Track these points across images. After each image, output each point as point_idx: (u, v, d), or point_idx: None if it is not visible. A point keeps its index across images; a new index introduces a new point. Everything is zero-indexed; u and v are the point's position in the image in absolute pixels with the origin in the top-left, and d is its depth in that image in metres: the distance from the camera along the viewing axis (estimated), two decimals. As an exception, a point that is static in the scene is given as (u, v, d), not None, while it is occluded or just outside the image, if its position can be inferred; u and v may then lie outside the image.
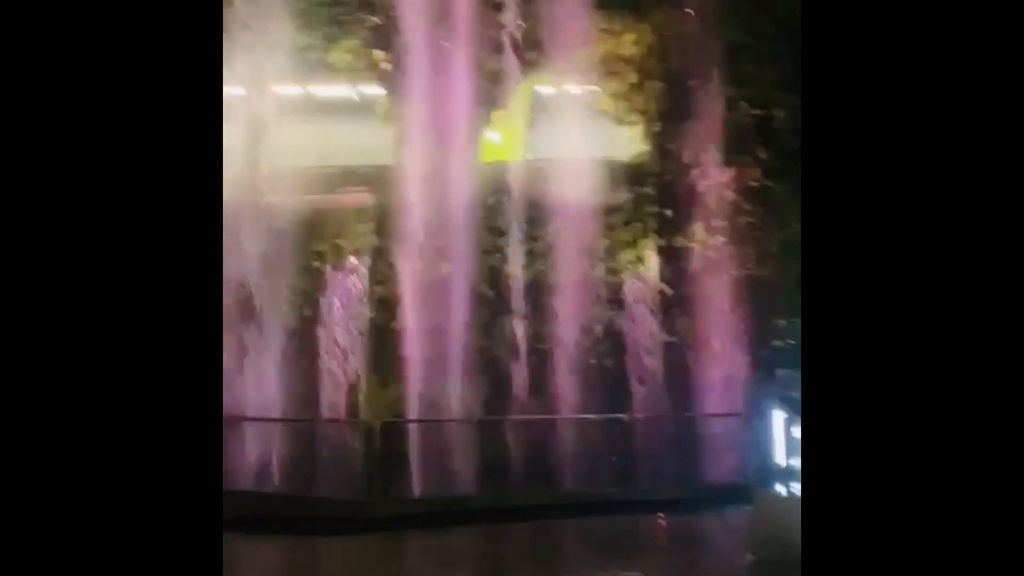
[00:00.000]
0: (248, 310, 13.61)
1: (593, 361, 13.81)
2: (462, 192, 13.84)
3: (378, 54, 14.43)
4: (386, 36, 14.27)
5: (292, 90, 14.79)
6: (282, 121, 14.19)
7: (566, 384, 13.50)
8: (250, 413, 13.23)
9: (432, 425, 12.77)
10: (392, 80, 14.30)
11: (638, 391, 13.81)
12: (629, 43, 14.41)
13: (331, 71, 14.64)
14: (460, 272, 13.77)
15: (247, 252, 13.75)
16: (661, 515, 11.25)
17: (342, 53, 14.48)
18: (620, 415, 13.08)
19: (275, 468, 12.42)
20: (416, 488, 12.05)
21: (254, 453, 12.64)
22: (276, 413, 13.37)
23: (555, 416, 13.18)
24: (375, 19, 14.39)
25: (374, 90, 14.87)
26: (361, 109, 15.00)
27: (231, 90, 14.42)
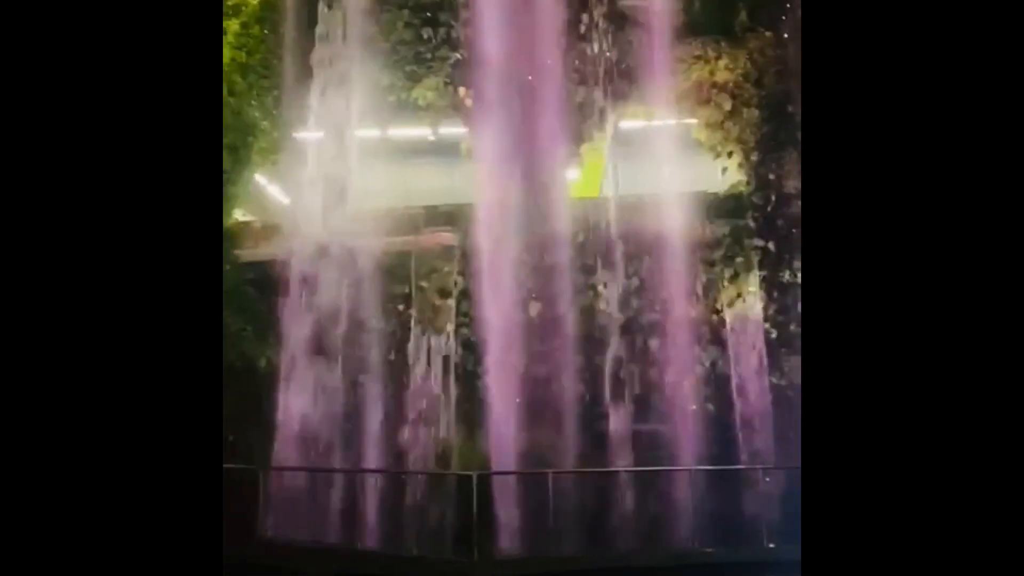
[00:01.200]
0: (333, 355, 13.21)
1: (695, 406, 12.94)
2: (551, 230, 13.28)
3: (462, 91, 14.09)
4: (469, 72, 13.92)
5: (375, 130, 14.53)
6: (366, 161, 13.94)
7: (667, 431, 12.65)
8: (335, 463, 12.81)
9: (529, 478, 11.99)
10: (476, 117, 13.90)
11: (745, 438, 12.87)
12: (723, 69, 13.75)
13: (415, 109, 14.34)
14: (551, 313, 13.14)
15: (332, 294, 13.44)
16: (776, 576, 10.25)
17: (425, 91, 14.18)
18: (732, 466, 12.13)
19: (366, 523, 11.83)
20: (515, 547, 11.29)
21: (344, 506, 12.08)
22: (362, 463, 12.90)
23: (658, 468, 12.29)
24: (458, 55, 14.07)
25: (458, 128, 14.50)
26: (445, 147, 14.65)
27: (315, 132, 14.31)
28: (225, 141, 14.49)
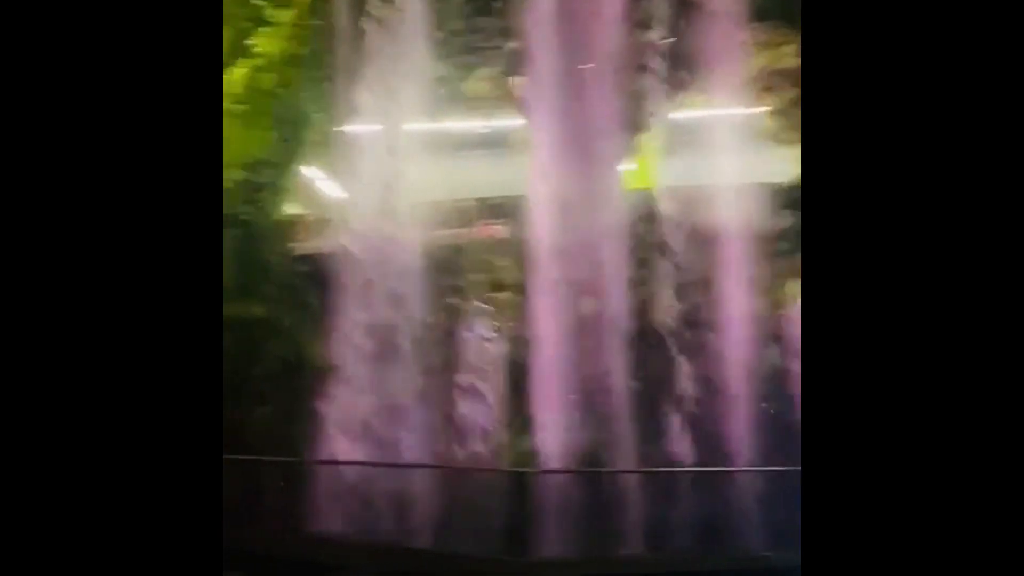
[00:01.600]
0: (386, 350, 13.06)
1: (755, 404, 12.45)
2: (606, 222, 12.92)
3: (515, 81, 13.80)
4: (523, 62, 13.61)
5: (426, 122, 14.32)
6: (417, 154, 13.75)
7: (727, 431, 12.20)
8: (386, 458, 12.68)
9: (583, 477, 11.67)
10: (530, 107, 13.58)
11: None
12: (790, 55, 13.18)
13: (467, 101, 14.11)
14: (606, 308, 12.79)
15: (383, 290, 13.30)
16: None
17: (478, 82, 13.94)
18: (793, 467, 11.59)
19: (416, 519, 11.64)
20: (569, 547, 10.95)
21: (394, 502, 11.91)
22: (413, 458, 12.73)
23: (717, 469, 11.84)
24: (512, 44, 13.78)
25: (511, 119, 14.21)
26: (498, 139, 14.36)
27: (367, 125, 14.18)
28: (276, 134, 14.49)
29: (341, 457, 12.63)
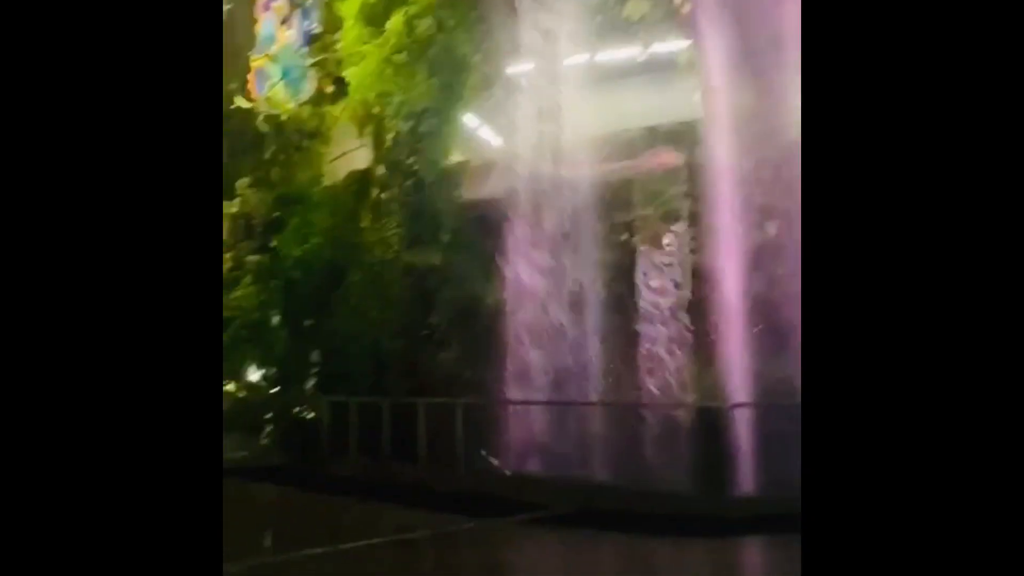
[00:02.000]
0: (561, 290, 12.97)
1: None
2: (786, 140, 11.95)
3: (677, -1, 13.00)
4: (687, -26, 12.78)
5: (588, 53, 13.83)
6: (580, 87, 13.33)
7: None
8: (567, 396, 12.70)
9: (771, 410, 11.11)
10: (697, 25, 12.76)
11: None
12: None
13: (628, 25, 13.44)
14: (789, 233, 11.94)
15: (554, 227, 13.16)
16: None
17: (638, 3, 13.23)
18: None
19: (604, 456, 11.60)
20: (759, 483, 10.53)
21: (579, 439, 11.93)
22: (594, 396, 12.68)
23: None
24: (671, -41, 12.97)
25: (676, 39, 13.43)
26: (663, 62, 13.63)
27: (525, 63, 13.92)
28: (437, 80, 14.52)
29: (521, 396, 12.75)
